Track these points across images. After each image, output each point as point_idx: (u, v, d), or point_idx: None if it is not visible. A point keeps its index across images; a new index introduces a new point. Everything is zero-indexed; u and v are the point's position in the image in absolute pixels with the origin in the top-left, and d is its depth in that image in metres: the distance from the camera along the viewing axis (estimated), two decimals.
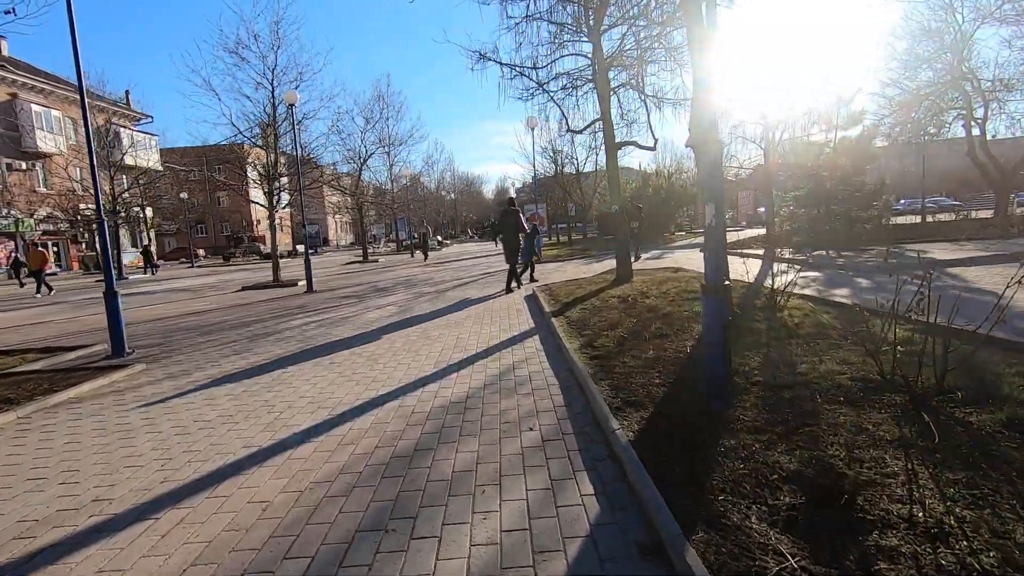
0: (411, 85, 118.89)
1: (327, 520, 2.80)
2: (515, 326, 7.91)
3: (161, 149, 42.28)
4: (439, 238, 48.19)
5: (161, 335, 9.16)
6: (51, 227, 34.79)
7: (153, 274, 30.73)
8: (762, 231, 22.56)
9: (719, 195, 3.85)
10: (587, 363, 5.21)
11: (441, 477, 3.21)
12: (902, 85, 24.75)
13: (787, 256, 13.52)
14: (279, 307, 12.00)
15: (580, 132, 13.01)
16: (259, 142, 19.07)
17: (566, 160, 32.86)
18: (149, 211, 39.59)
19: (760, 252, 15.91)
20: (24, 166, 33.57)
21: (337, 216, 62.44)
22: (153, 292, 18.51)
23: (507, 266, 12.24)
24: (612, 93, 11.40)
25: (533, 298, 10.50)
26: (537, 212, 28.04)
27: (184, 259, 45.19)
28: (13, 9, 8.15)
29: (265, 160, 19.03)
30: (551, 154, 33.29)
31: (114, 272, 26.10)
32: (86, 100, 7.33)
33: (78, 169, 32.63)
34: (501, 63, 10.77)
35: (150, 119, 42.56)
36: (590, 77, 11.37)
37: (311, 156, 21.31)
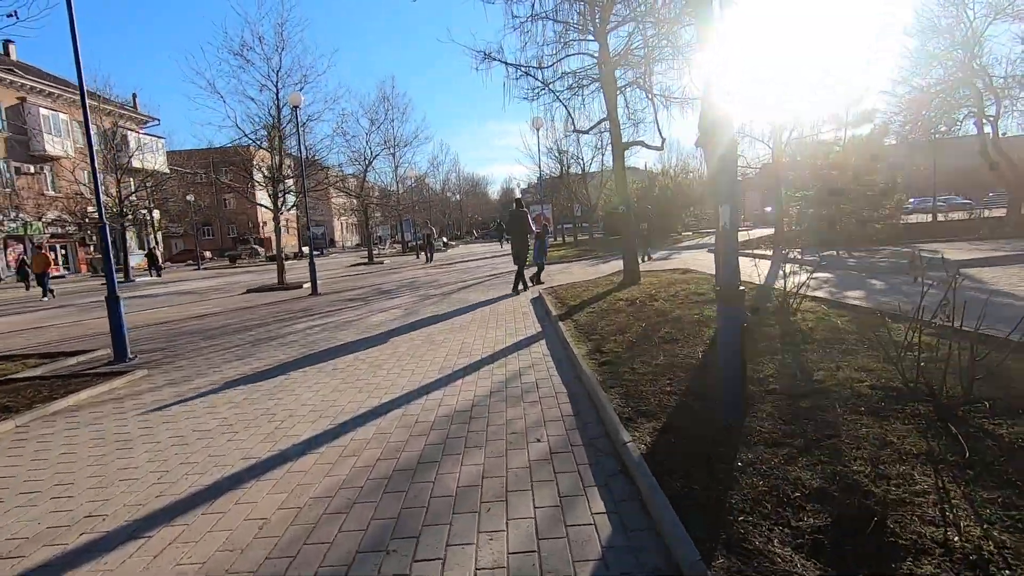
0: (411, 85, 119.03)
1: (326, 540, 2.67)
2: (521, 330, 7.77)
3: (168, 152, 42.45)
4: (444, 239, 48.12)
5: (164, 339, 9.09)
6: (59, 230, 35.01)
7: (159, 276, 30.80)
8: (769, 231, 22.32)
9: (734, 196, 3.70)
10: (595, 370, 5.07)
11: (445, 492, 3.08)
12: (912, 83, 24.45)
13: (797, 257, 13.31)
14: (283, 310, 11.92)
15: (586, 132, 12.87)
16: (264, 144, 19.04)
17: (571, 160, 32.69)
18: (156, 214, 39.76)
19: (769, 253, 15.70)
20: (32, 169, 33.80)
21: (343, 218, 62.50)
22: (158, 295, 18.51)
23: (514, 268, 12.10)
24: (619, 92, 11.25)
25: (539, 301, 10.37)
26: (543, 213, 27.86)
27: (191, 261, 45.35)
28: (15, 12, 8.09)
29: (270, 162, 18.99)
30: (556, 154, 33.15)
31: (121, 275, 26.05)
32: (87, 101, 7.28)
33: (85, 172, 32.77)
34: (506, 63, 10.65)
35: (157, 122, 42.78)
36: (596, 76, 11.22)
37: (316, 158, 21.25)
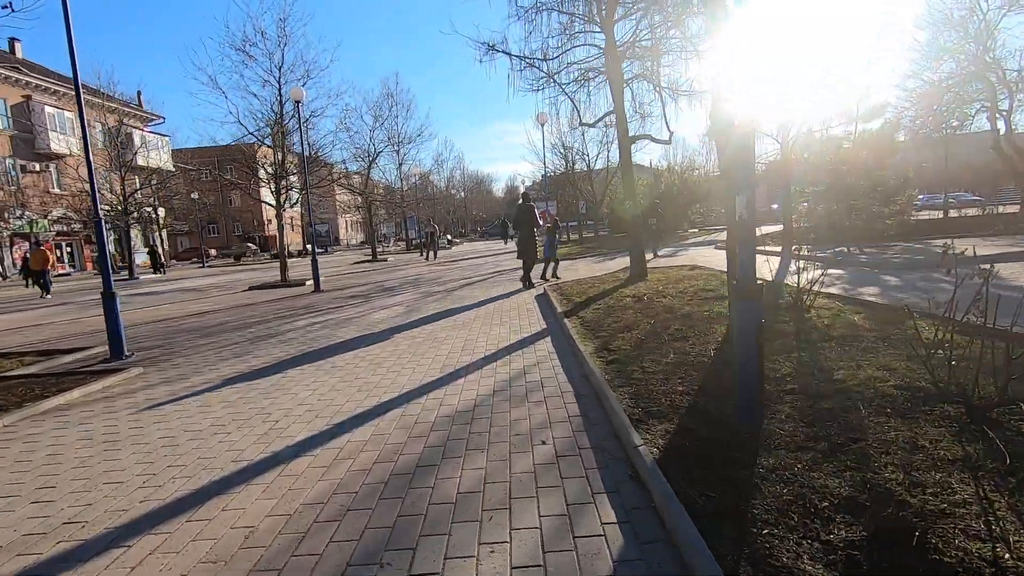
0: (413, 85, 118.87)
1: (315, 551, 2.49)
2: (525, 327, 7.57)
3: (173, 150, 42.45)
4: (449, 236, 47.95)
5: (163, 336, 8.94)
6: (65, 228, 35.07)
7: (163, 274, 30.78)
8: (776, 228, 22.01)
9: (750, 185, 3.49)
10: (603, 368, 4.87)
11: (444, 499, 2.89)
12: (923, 77, 24.06)
13: (807, 253, 13.04)
14: (284, 307, 11.77)
15: (592, 126, 12.64)
16: (267, 140, 18.89)
17: (576, 156, 32.42)
18: (161, 211, 39.77)
19: (778, 249, 15.42)
20: (38, 167, 33.83)
21: (347, 215, 62.47)
22: (161, 292, 18.41)
23: (518, 264, 11.90)
24: (625, 85, 11.02)
25: (544, 297, 10.17)
26: (548, 210, 27.62)
27: (195, 259, 45.38)
28: (10, 4, 7.95)
29: (273, 159, 18.85)
30: (561, 150, 32.88)
31: (125, 272, 25.98)
32: (81, 95, 7.12)
33: None
34: (510, 54, 10.44)
35: (162, 120, 42.76)
36: (602, 69, 10.99)
37: (319, 154, 21.10)
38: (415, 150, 61.76)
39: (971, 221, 19.29)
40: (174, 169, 39.30)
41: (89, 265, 37.38)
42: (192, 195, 42.26)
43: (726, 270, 10.42)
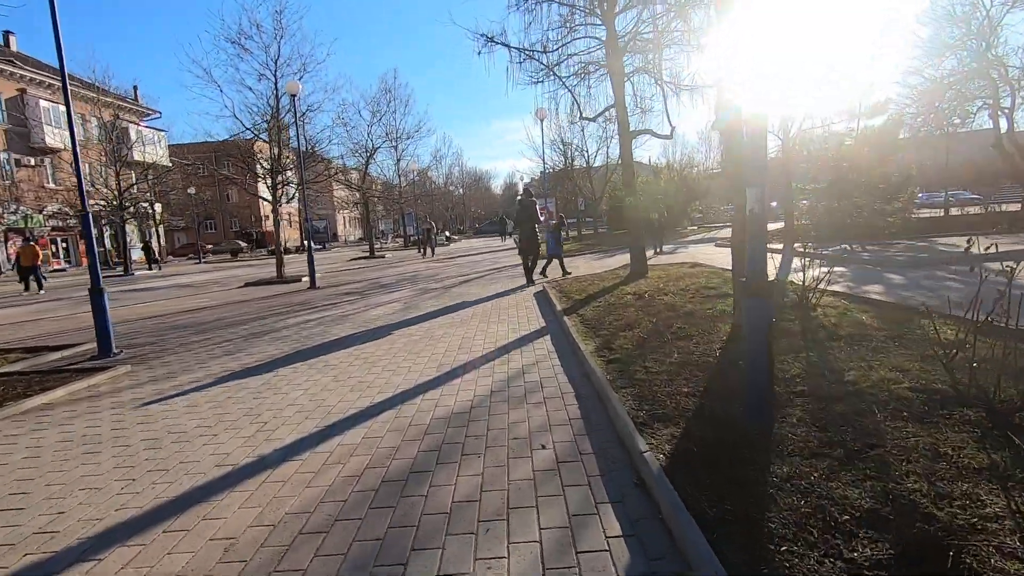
0: (414, 85, 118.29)
1: (299, 567, 2.32)
2: (524, 325, 7.40)
3: (169, 145, 42.11)
4: (447, 233, 47.72)
5: (154, 333, 8.75)
6: (60, 223, 34.79)
7: (159, 269, 30.55)
8: (778, 224, 21.85)
9: (761, 177, 3.32)
10: (604, 368, 4.70)
11: (438, 509, 2.72)
12: (925, 74, 23.88)
13: (810, 251, 12.88)
14: (279, 304, 11.58)
15: (593, 120, 12.44)
16: (263, 135, 18.66)
17: (576, 152, 32.22)
18: (158, 207, 39.48)
19: (779, 246, 15.27)
20: (32, 162, 33.53)
21: (345, 211, 62.19)
22: (155, 288, 18.20)
23: (518, 261, 11.72)
24: (626, 79, 10.83)
25: (543, 295, 10.00)
26: (547, 207, 27.43)
27: (192, 255, 45.12)
28: None
29: (269, 154, 18.63)
30: (560, 147, 32.67)
31: (121, 268, 25.67)
32: (68, 83, 6.93)
33: (87, 164, 32.48)
34: (509, 46, 10.22)
35: (158, 115, 42.43)
36: (603, 62, 10.79)
37: (316, 149, 20.87)
38: (413, 146, 61.44)
39: (973, 219, 19.14)
40: (170, 164, 38.97)
41: (85, 260, 37.09)
42: (189, 190, 41.93)
43: (730, 268, 10.29)
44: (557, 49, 10.52)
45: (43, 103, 33.54)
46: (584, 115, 11.53)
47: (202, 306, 12.07)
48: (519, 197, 12.06)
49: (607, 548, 2.31)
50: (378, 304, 10.43)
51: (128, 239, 33.13)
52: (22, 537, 2.72)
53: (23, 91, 32.95)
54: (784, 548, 2.09)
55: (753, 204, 3.30)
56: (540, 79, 10.64)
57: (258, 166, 19.50)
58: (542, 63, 10.49)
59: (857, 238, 14.87)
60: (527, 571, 2.19)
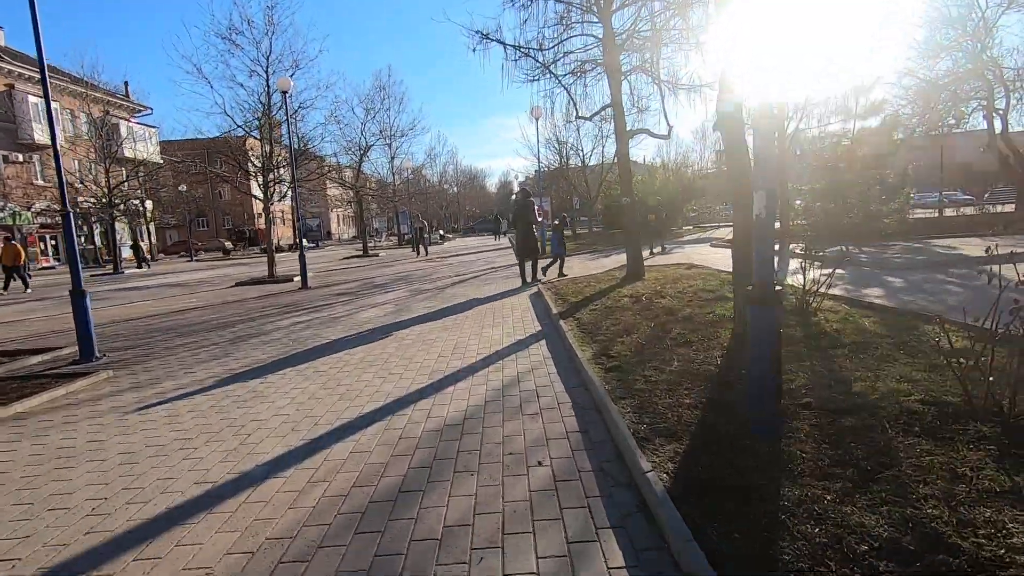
0: (412, 84, 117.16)
1: None
2: (519, 329, 7.24)
3: (161, 142, 41.62)
4: (441, 232, 47.48)
5: (140, 336, 8.53)
6: (49, 220, 34.31)
7: (147, 268, 30.17)
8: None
9: (769, 181, 3.17)
10: (602, 376, 4.55)
11: (428, 534, 2.55)
12: (920, 75, 23.87)
13: (812, 252, 12.79)
14: (269, 305, 11.37)
15: (589, 119, 12.30)
16: (255, 132, 18.37)
17: (571, 151, 32.06)
18: (149, 204, 39.04)
19: (775, 248, 15.16)
20: (21, 158, 33.06)
21: (339, 209, 61.78)
22: (144, 288, 17.91)
23: (513, 261, 11.55)
24: (623, 78, 10.68)
25: (539, 297, 9.84)
26: (541, 205, 27.25)
27: (183, 252, 44.68)
28: None
29: (261, 151, 18.35)
30: (556, 145, 32.50)
31: (111, 267, 25.21)
32: (47, 74, 6.69)
33: (76, 161, 32.05)
34: (505, 44, 10.05)
35: (150, 111, 41.98)
36: (599, 60, 10.63)
37: (308, 147, 20.61)
38: (407, 144, 61.11)
39: (969, 220, 19.13)
40: (161, 161, 38.52)
41: None
42: (180, 188, 41.48)
43: (731, 270, 10.15)
44: (553, 47, 10.36)
45: (31, 98, 33.03)
46: (580, 114, 11.38)
47: (190, 307, 11.83)
48: (514, 196, 11.89)
49: None
50: (371, 305, 10.24)
51: (119, 237, 32.75)
52: None
53: (11, 86, 32.47)
54: None
55: (760, 208, 3.15)
56: (536, 77, 10.47)
57: (250, 164, 19.22)
58: (538, 61, 10.33)
59: (854, 239, 14.79)
60: None
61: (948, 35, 22.84)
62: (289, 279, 16.67)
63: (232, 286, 16.26)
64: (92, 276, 26.24)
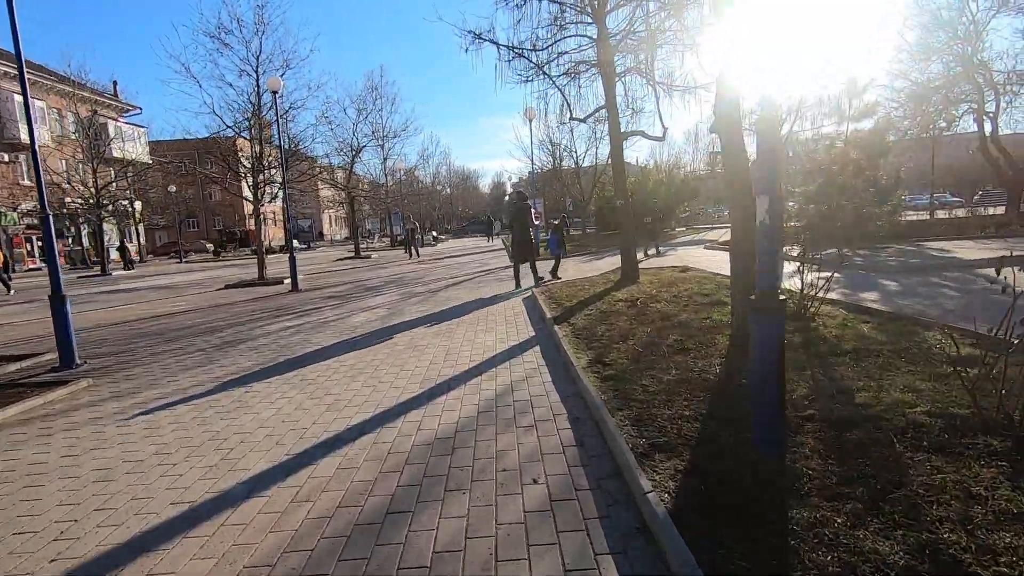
0: (412, 85, 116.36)
1: None
2: (513, 334, 7.10)
3: (150, 142, 41.13)
4: (434, 233, 47.25)
5: (124, 341, 8.32)
6: (35, 221, 33.76)
7: (133, 269, 29.79)
8: None
9: (773, 185, 3.05)
10: (599, 386, 4.42)
11: (417, 561, 2.40)
12: (911, 77, 23.98)
13: (802, 255, 12.74)
14: (258, 308, 11.16)
15: (583, 121, 12.18)
16: (244, 133, 18.12)
17: (564, 153, 31.97)
18: (138, 205, 38.57)
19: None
20: (6, 158, 32.54)
21: (331, 210, 61.40)
22: (132, 290, 17.62)
23: (507, 263, 11.40)
24: (618, 79, 10.57)
25: (532, 300, 9.70)
26: (535, 207, 27.12)
27: (173, 253, 44.20)
28: None
29: (251, 152, 18.10)
30: (549, 147, 32.40)
31: (98, 268, 24.75)
32: (25, 70, 6.48)
33: (64, 161, 31.60)
34: (498, 44, 9.90)
35: (139, 111, 41.49)
36: (594, 61, 10.52)
37: (299, 147, 20.37)
38: (400, 144, 60.81)
39: (961, 223, 19.19)
40: (150, 161, 38.06)
41: (61, 260, 36.07)
42: (169, 188, 41.00)
43: (723, 272, 10.10)
44: (547, 48, 10.23)
45: (17, 97, 32.50)
46: (575, 115, 11.26)
47: (177, 310, 11.60)
48: (507, 197, 11.77)
49: None
50: (362, 309, 10.07)
51: (107, 238, 32.30)
52: None
53: None
54: None
55: (764, 214, 3.03)
56: (530, 78, 10.34)
57: (240, 164, 18.96)
58: (532, 61, 10.20)
59: (847, 242, 14.76)
60: None
61: (939, 38, 22.96)
62: (279, 281, 16.46)
63: (221, 289, 16.02)
64: (79, 278, 25.87)
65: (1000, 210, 24.59)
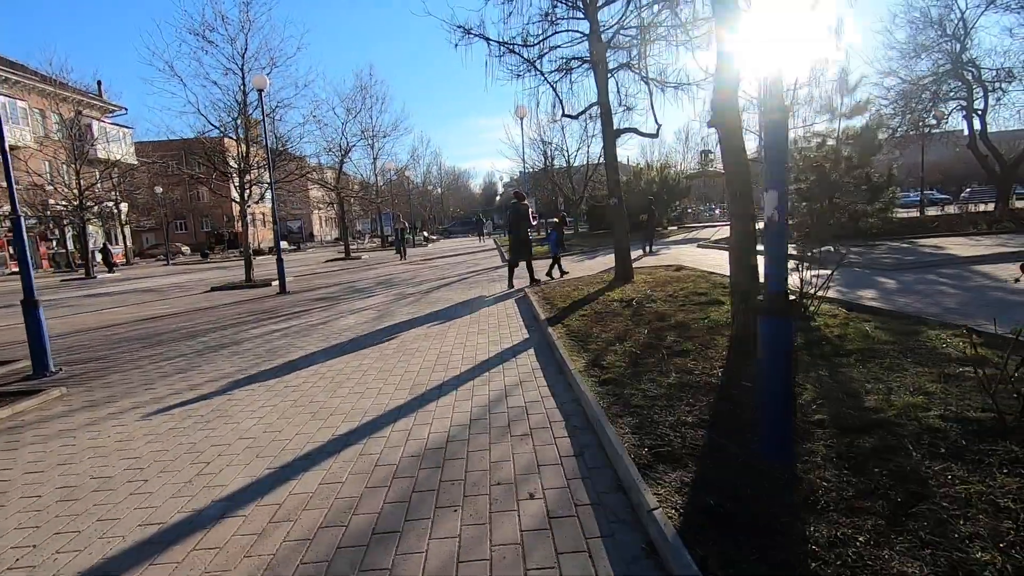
0: (402, 84, 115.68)
1: None
2: (506, 337, 6.90)
3: (136, 143, 40.47)
4: (425, 233, 46.93)
5: (103, 346, 8.03)
6: None
7: (114, 272, 29.29)
8: (759, 224, 21.67)
9: (781, 178, 2.88)
10: (596, 391, 4.23)
11: None
12: (900, 75, 24.07)
13: (800, 253, 12.65)
14: (244, 311, 10.88)
15: (575, 117, 12.00)
16: (230, 132, 17.78)
17: (556, 152, 31.75)
18: (124, 207, 37.96)
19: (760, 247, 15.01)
20: None
21: (321, 211, 60.86)
22: (115, 293, 17.24)
23: (498, 263, 11.20)
24: (610, 76, 10.40)
25: (525, 301, 9.51)
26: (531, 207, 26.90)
27: (161, 256, 43.58)
28: None
29: (237, 152, 17.77)
30: (540, 145, 32.17)
31: (82, 271, 24.26)
32: None
33: (47, 163, 30.99)
34: (488, 39, 9.70)
35: (124, 111, 40.84)
36: (586, 57, 10.34)
37: (287, 147, 20.04)
38: (390, 144, 60.52)
39: (952, 219, 19.24)
40: (136, 162, 37.43)
41: (45, 263, 35.49)
42: (156, 189, 40.38)
43: (717, 271, 9.97)
44: (538, 43, 10.03)
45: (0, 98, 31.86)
46: (566, 112, 11.08)
47: (161, 314, 11.29)
48: (499, 197, 11.57)
49: None
50: (351, 312, 9.83)
51: (92, 241, 31.70)
52: None
53: None
54: None
55: (772, 209, 2.86)
56: (521, 72, 10.13)
57: (226, 164, 18.60)
58: (523, 57, 10.00)
59: (841, 239, 14.70)
60: None
61: (928, 36, 23.06)
62: (267, 283, 16.16)
63: (207, 291, 15.69)
64: (63, 281, 25.38)
65: (988, 207, 24.76)
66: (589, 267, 14.21)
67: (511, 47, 9.77)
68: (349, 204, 34.81)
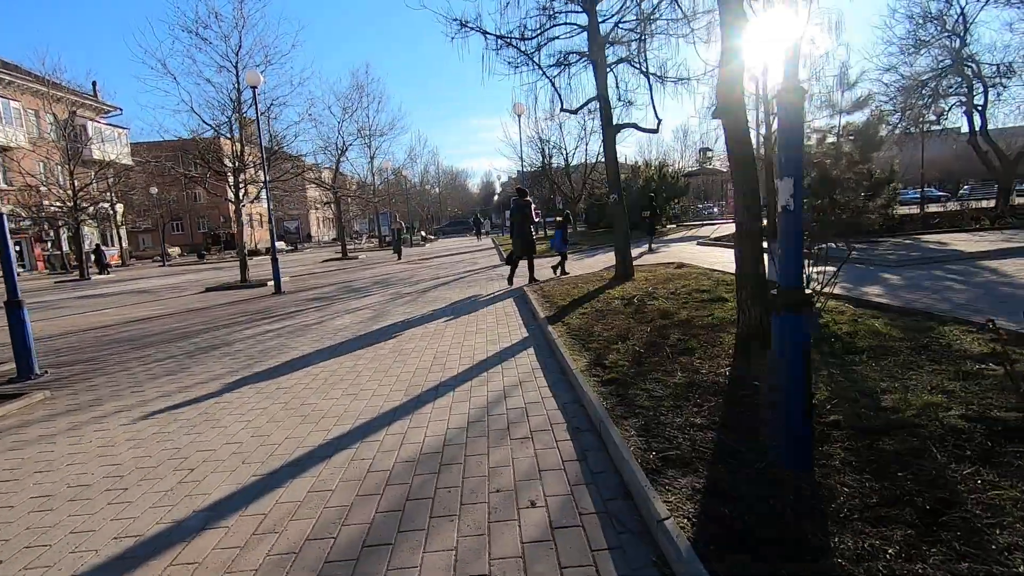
0: (399, 83, 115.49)
1: None
2: (505, 336, 6.73)
3: (132, 143, 40.17)
4: (423, 233, 46.70)
5: (92, 348, 7.84)
6: (13, 225, 32.83)
7: (108, 273, 29.06)
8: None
9: (797, 166, 2.71)
10: (599, 391, 4.06)
11: None
12: (900, 71, 23.94)
13: (807, 248, 12.48)
14: (238, 312, 10.69)
15: (575, 112, 11.80)
16: (224, 131, 17.57)
17: (554, 149, 31.56)
18: (120, 208, 37.71)
19: (764, 246, 14.85)
20: None
21: (318, 211, 60.63)
22: (109, 295, 17.03)
23: (497, 262, 11.02)
24: (609, 70, 10.23)
25: (524, 300, 9.33)
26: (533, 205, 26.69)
27: (157, 257, 43.32)
28: None
29: (231, 151, 17.56)
30: (538, 144, 31.98)
31: (77, 273, 24.08)
32: None
33: (42, 164, 30.74)
34: (485, 32, 9.50)
35: (119, 111, 40.55)
36: (584, 50, 10.16)
37: (282, 146, 19.83)
38: (388, 143, 60.14)
39: (954, 216, 19.11)
40: (132, 163, 37.16)
41: (41, 265, 35.24)
42: (151, 190, 40.12)
43: (718, 268, 9.81)
44: (535, 37, 9.84)
45: None
46: (565, 107, 10.89)
47: (153, 315, 11.09)
48: (496, 197, 11.40)
49: None
50: (346, 311, 9.64)
51: (87, 242, 31.42)
52: None
53: None
54: None
55: (787, 199, 2.69)
56: (518, 64, 9.93)
57: (220, 164, 18.38)
58: (520, 50, 9.81)
59: (842, 235, 14.56)
60: None
61: (928, 31, 22.92)
62: (263, 284, 15.96)
63: (202, 292, 15.49)
64: (57, 283, 25.19)
65: (987, 203, 24.62)
66: (589, 265, 14.03)
67: (508, 40, 9.58)
68: (346, 204, 34.62)
